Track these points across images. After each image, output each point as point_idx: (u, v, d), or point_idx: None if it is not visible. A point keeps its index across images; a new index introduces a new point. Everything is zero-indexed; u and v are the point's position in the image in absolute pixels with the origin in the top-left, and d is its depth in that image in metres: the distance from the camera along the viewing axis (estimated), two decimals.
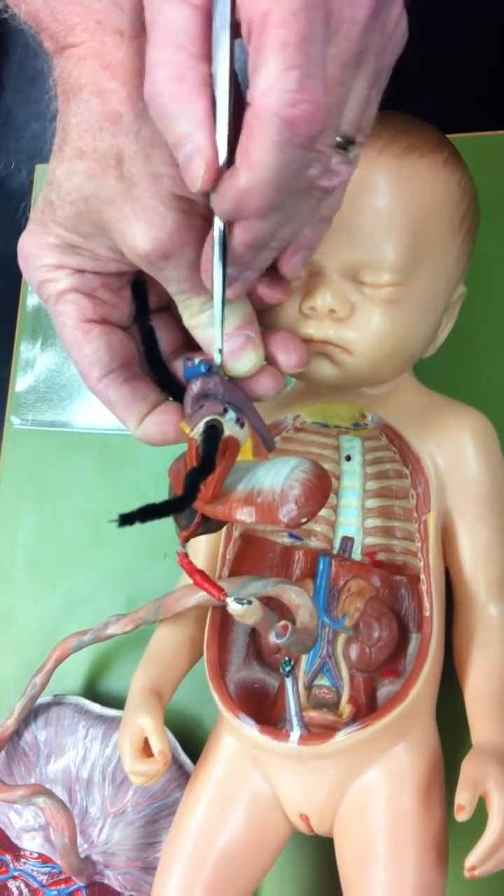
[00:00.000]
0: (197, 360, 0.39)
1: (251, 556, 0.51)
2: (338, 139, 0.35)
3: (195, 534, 0.41)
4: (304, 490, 0.38)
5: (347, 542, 0.49)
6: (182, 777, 0.54)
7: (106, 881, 0.55)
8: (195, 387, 0.39)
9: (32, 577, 0.65)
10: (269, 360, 0.41)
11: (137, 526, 0.35)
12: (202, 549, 0.52)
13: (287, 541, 0.51)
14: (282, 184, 0.32)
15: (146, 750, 0.47)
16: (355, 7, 0.32)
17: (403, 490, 0.49)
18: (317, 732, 0.45)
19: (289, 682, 0.45)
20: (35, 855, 0.56)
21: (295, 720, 0.45)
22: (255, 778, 0.48)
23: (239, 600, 0.40)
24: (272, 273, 0.39)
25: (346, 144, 0.36)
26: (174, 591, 0.51)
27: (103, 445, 0.65)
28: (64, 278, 0.39)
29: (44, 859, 0.56)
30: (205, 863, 0.47)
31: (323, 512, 0.48)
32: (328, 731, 0.45)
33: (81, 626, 0.56)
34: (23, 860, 0.56)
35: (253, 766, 0.48)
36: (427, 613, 0.46)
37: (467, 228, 0.48)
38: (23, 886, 0.56)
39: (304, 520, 0.38)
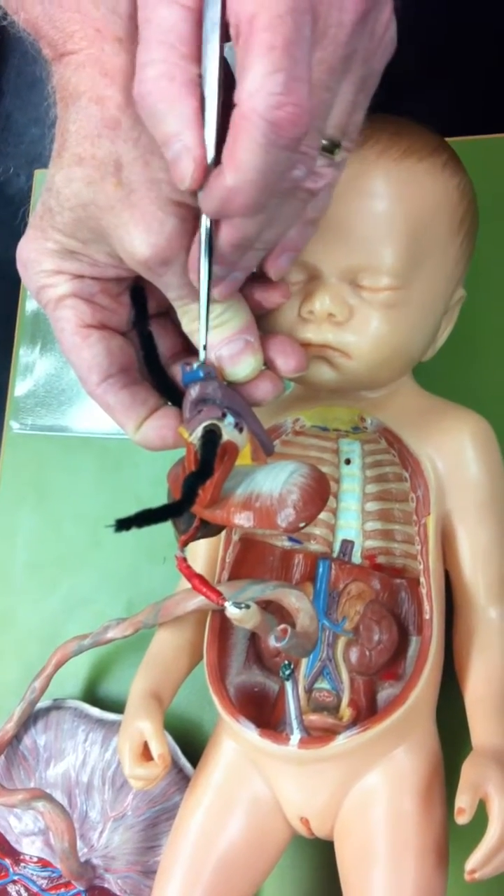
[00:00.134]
0: (195, 365, 0.39)
1: (251, 559, 0.51)
2: (323, 142, 0.35)
3: (193, 538, 0.41)
4: (302, 494, 0.38)
5: (347, 545, 0.49)
6: (182, 781, 0.54)
7: (106, 885, 0.55)
8: (194, 391, 0.39)
9: (32, 579, 0.65)
10: (268, 364, 0.41)
11: (137, 530, 0.35)
12: (202, 552, 0.52)
13: (287, 544, 0.51)
14: (266, 184, 0.32)
15: (146, 754, 0.47)
16: (343, 11, 0.32)
17: (403, 493, 0.49)
18: (317, 736, 0.45)
19: (289, 685, 0.45)
20: (35, 859, 0.56)
21: (295, 723, 0.45)
22: (256, 781, 0.48)
23: (237, 604, 0.40)
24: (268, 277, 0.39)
25: (331, 147, 0.36)
26: (174, 595, 0.51)
27: (102, 450, 0.65)
28: (63, 283, 0.39)
29: (43, 863, 0.56)
30: (205, 866, 0.47)
31: (322, 515, 0.48)
32: (328, 734, 0.45)
33: (81, 629, 0.56)
34: (22, 864, 0.56)
35: (253, 770, 0.48)
36: (427, 616, 0.46)
37: (466, 231, 0.48)
38: (22, 891, 0.56)
39: (302, 524, 0.38)
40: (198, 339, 0.39)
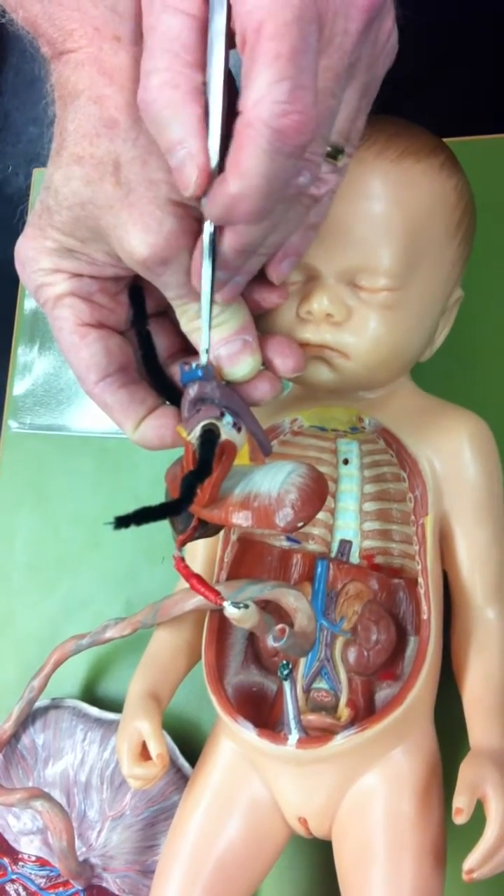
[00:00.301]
0: (194, 365, 0.39)
1: (249, 559, 0.51)
2: (327, 148, 0.36)
3: (192, 538, 0.41)
4: (300, 494, 0.38)
5: (345, 545, 0.49)
6: (180, 780, 0.54)
7: (104, 884, 0.55)
8: (192, 391, 0.39)
9: (31, 580, 0.65)
10: (266, 364, 0.41)
11: (135, 529, 0.35)
12: (200, 552, 0.52)
13: (285, 544, 0.51)
14: (271, 191, 0.33)
15: (144, 753, 0.47)
16: (348, 20, 0.32)
17: (401, 493, 0.49)
18: (315, 736, 0.45)
19: (287, 685, 0.45)
20: (33, 858, 0.56)
21: (293, 723, 0.45)
22: (254, 781, 0.48)
23: (235, 604, 0.40)
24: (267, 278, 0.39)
25: (335, 153, 0.36)
26: (172, 595, 0.51)
27: (101, 449, 0.65)
28: (61, 282, 0.39)
29: (42, 863, 0.56)
30: (203, 866, 0.47)
31: (321, 515, 0.48)
32: (326, 734, 0.45)
33: (80, 629, 0.56)
34: (21, 864, 0.56)
35: (251, 770, 0.48)
36: (425, 616, 0.46)
37: (464, 232, 0.48)
38: (21, 890, 0.56)
39: (300, 524, 0.38)
40: (198, 340, 0.39)
